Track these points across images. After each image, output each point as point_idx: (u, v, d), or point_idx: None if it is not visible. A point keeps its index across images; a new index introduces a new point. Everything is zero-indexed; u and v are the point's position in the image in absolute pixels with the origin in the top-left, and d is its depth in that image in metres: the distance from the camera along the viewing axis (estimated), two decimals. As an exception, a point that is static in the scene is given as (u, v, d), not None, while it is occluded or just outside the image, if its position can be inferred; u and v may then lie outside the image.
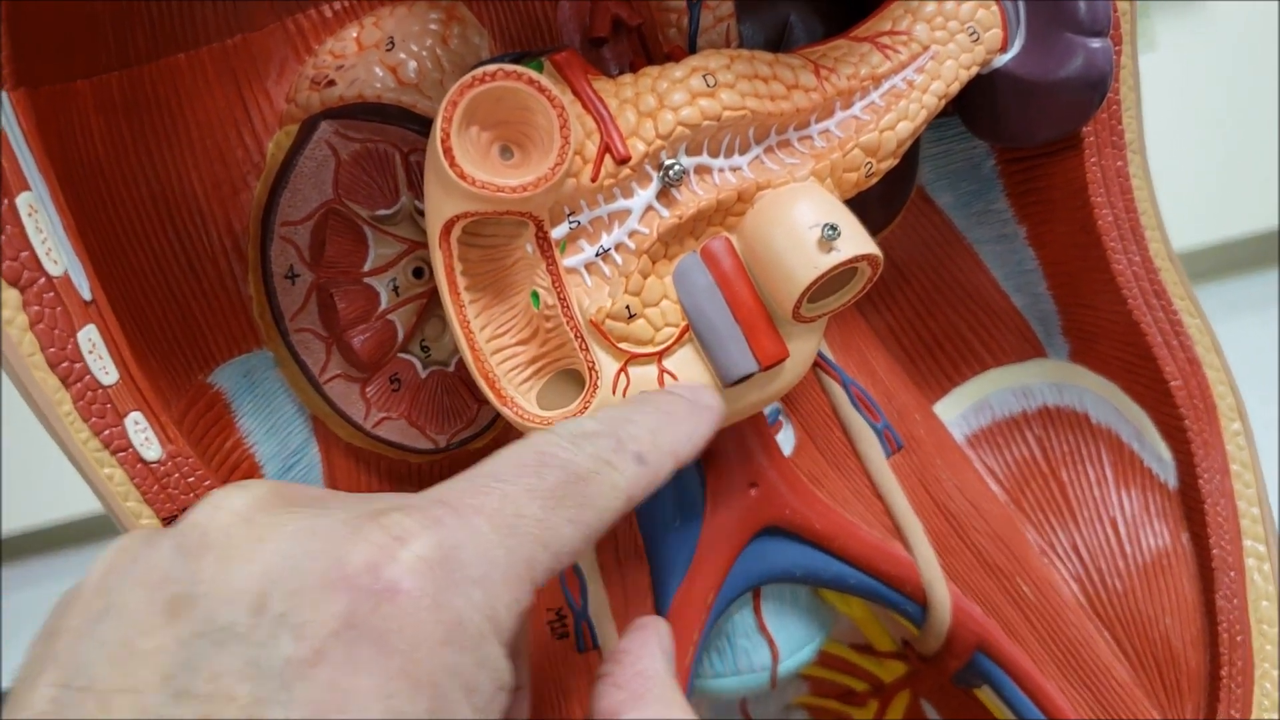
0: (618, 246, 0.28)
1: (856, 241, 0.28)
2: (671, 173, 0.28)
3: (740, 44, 0.32)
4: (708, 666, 0.36)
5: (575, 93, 0.28)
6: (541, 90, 0.25)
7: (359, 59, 0.30)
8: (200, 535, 0.21)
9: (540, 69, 0.28)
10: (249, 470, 0.32)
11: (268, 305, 0.31)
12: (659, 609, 0.33)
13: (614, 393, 0.28)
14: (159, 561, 0.21)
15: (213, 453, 0.31)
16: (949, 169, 0.37)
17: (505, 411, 0.28)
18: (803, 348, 0.30)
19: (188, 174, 0.30)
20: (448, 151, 0.25)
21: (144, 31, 0.29)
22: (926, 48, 0.31)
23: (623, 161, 0.28)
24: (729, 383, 0.29)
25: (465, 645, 0.20)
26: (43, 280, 0.25)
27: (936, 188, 0.37)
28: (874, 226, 0.35)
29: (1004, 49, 0.32)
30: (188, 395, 0.31)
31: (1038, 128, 0.33)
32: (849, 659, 0.41)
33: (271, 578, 0.20)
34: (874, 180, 0.31)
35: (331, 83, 0.30)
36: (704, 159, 0.29)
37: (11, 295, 0.24)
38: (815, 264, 0.28)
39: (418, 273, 0.32)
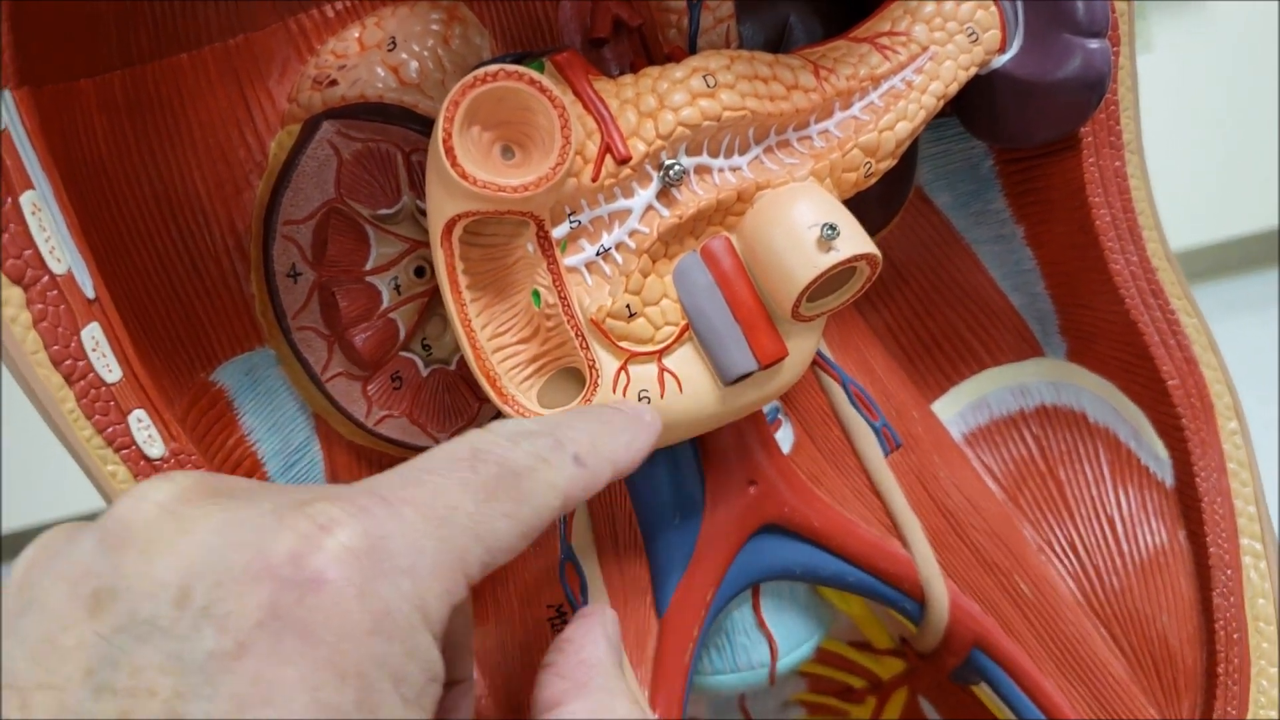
0: (618, 246, 0.29)
1: (855, 241, 0.28)
2: (672, 173, 0.28)
3: (740, 44, 0.32)
4: (707, 663, 0.37)
5: (576, 93, 0.28)
6: (543, 90, 0.26)
7: (361, 59, 0.30)
8: (123, 528, 0.20)
9: (541, 69, 0.28)
10: (251, 468, 0.32)
11: (270, 304, 0.31)
12: (658, 606, 0.33)
13: (614, 391, 0.28)
14: (81, 556, 0.20)
15: (215, 450, 0.31)
16: (947, 169, 0.37)
17: (506, 409, 0.28)
18: (802, 346, 0.30)
19: (190, 173, 0.30)
20: (449, 151, 0.25)
21: (147, 31, 0.29)
22: (925, 48, 0.31)
23: (623, 161, 0.28)
24: (729, 381, 0.29)
25: (393, 635, 0.19)
26: (46, 278, 0.25)
27: (935, 188, 0.37)
28: (872, 226, 0.35)
29: (1002, 50, 0.32)
30: (190, 393, 0.31)
31: (1036, 128, 0.33)
32: (847, 656, 0.41)
33: (194, 570, 0.19)
34: (873, 180, 0.31)
35: (334, 82, 0.30)
36: (704, 159, 0.29)
37: (15, 293, 0.24)
38: (814, 263, 0.28)
39: (419, 271, 0.32)
